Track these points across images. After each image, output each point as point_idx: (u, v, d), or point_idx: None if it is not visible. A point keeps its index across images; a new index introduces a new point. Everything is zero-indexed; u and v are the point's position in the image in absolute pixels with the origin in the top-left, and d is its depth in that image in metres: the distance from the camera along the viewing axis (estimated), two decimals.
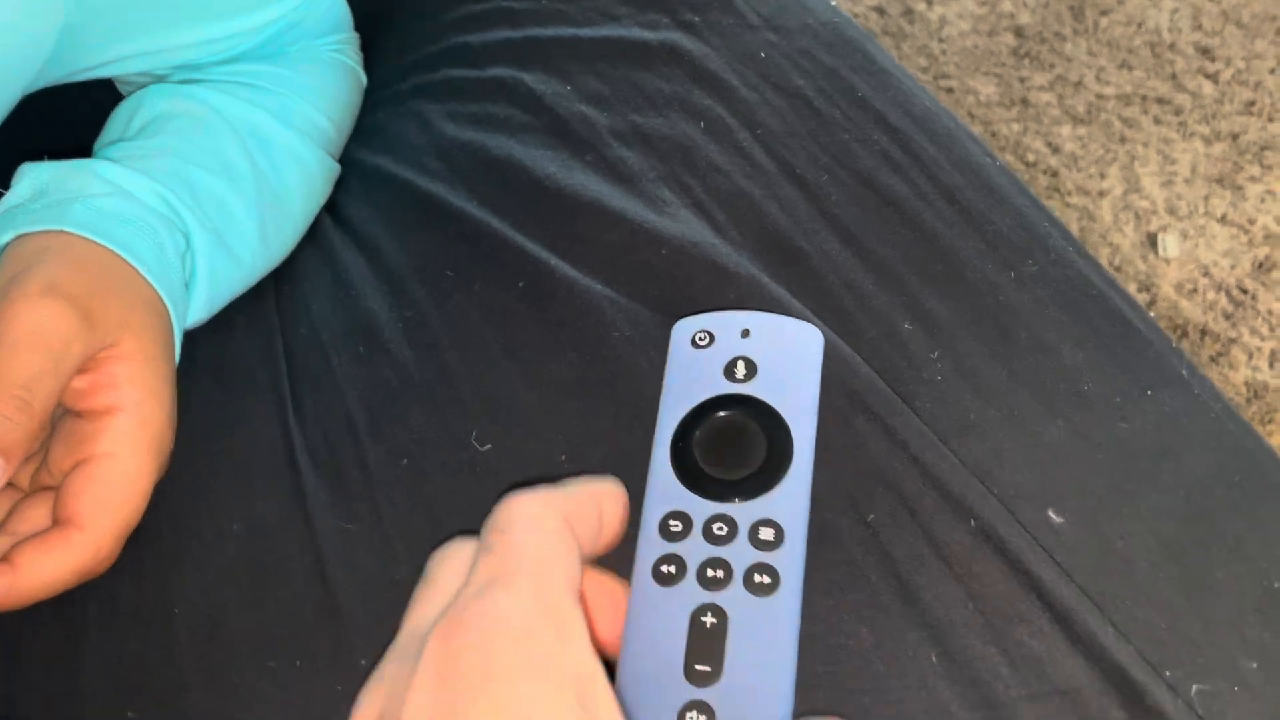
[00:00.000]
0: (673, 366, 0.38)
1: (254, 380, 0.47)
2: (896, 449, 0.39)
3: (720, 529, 0.33)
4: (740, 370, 0.36)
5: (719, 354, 0.37)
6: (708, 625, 0.31)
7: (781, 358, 0.37)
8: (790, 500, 0.34)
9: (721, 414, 0.36)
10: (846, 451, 0.39)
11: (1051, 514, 0.38)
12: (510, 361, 0.45)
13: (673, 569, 0.32)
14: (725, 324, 0.38)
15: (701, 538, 0.33)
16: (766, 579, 0.32)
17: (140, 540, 0.40)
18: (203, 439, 0.45)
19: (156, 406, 0.40)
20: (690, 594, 0.32)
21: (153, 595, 0.41)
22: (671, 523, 0.33)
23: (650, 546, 0.33)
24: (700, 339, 0.37)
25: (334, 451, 0.44)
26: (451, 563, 0.29)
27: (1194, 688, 0.35)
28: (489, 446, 0.42)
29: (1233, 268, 1.35)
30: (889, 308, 0.43)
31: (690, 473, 0.35)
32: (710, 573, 0.32)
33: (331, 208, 0.54)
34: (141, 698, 0.38)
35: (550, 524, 0.28)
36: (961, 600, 0.36)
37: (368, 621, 0.39)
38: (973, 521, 0.37)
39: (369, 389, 0.45)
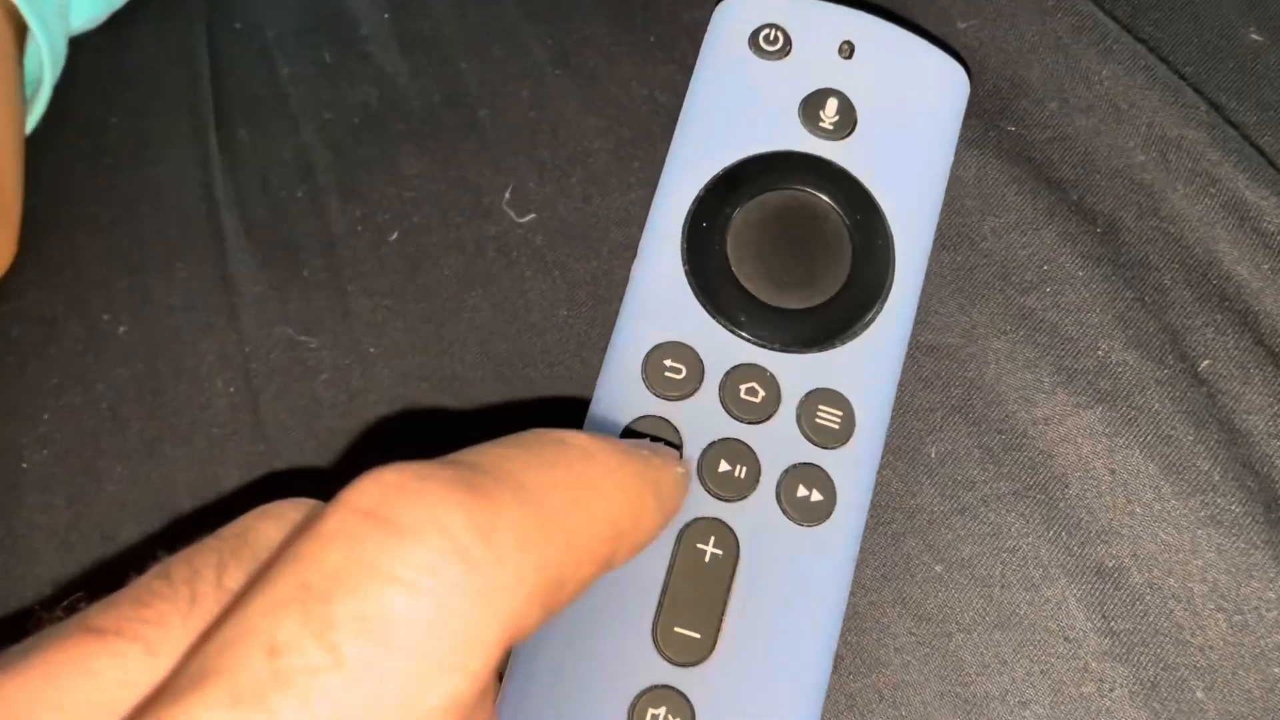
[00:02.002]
0: (709, 79, 0.23)
1: (160, 96, 0.30)
2: (1252, 240, 0.22)
3: (751, 393, 0.20)
4: (830, 114, 0.22)
5: (797, 75, 0.22)
6: (705, 559, 0.19)
7: (901, 109, 0.22)
8: (875, 363, 0.21)
9: (784, 189, 0.22)
10: (1153, 245, 0.23)
11: None
12: (563, 79, 0.27)
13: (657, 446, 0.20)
14: (814, 22, 0.23)
15: (717, 401, 0.20)
16: (817, 495, 0.20)
17: None
18: (73, 187, 0.28)
19: None
20: None
21: None
22: (669, 365, 0.21)
23: (623, 397, 0.20)
24: (768, 39, 0.22)
25: (280, 213, 0.27)
26: (171, 609, 0.14)
27: None
28: (531, 216, 0.26)
29: None
30: (1213, 1, 0.25)
31: (714, 282, 0.21)
32: (723, 466, 0.20)
33: None
34: None
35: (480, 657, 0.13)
36: None
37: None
38: None
39: (338, 116, 0.28)
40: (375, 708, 0.12)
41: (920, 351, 0.22)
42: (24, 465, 0.25)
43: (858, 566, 0.21)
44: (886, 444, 0.22)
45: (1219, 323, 0.22)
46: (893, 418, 0.22)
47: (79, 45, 0.31)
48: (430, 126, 0.27)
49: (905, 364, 0.22)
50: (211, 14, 0.32)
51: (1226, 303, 0.22)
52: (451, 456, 0.15)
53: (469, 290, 0.25)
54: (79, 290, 0.26)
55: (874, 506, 0.21)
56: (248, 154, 0.28)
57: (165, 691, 0.13)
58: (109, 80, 0.31)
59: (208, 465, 0.24)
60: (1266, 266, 0.22)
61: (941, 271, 0.23)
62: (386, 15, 0.30)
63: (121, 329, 0.26)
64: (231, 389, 0.25)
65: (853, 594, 0.21)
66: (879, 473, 0.22)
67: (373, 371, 0.25)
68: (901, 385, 0.22)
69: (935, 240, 0.23)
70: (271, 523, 0.16)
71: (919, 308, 0.23)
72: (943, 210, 0.23)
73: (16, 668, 0.14)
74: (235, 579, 0.15)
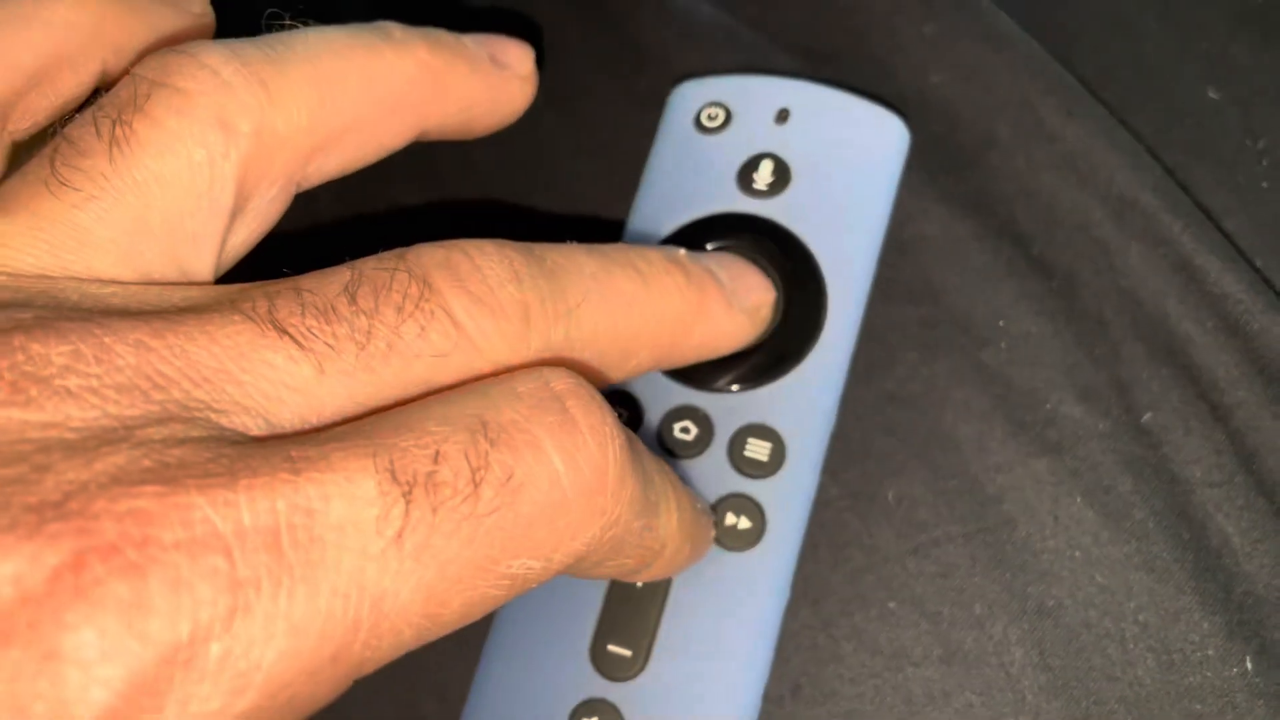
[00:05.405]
0: (660, 156, 0.26)
1: None
2: (1198, 299, 0.23)
3: (684, 432, 0.23)
4: (764, 176, 0.24)
5: (734, 145, 0.25)
6: (637, 584, 0.21)
7: (834, 163, 0.24)
8: (805, 399, 0.23)
9: (718, 246, 0.24)
10: (1107, 300, 0.24)
11: None
12: (555, 122, 0.29)
13: None
14: (752, 96, 0.25)
15: (655, 440, 0.23)
16: (745, 522, 0.22)
17: None
18: None
19: None
20: None
21: None
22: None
23: None
24: (709, 117, 0.25)
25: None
26: None
27: None
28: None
29: None
30: (1175, 61, 0.27)
31: None
32: None
33: None
34: None
35: None
36: None
37: None
38: None
39: None
40: (470, 548, 0.14)
41: (883, 400, 0.24)
42: None
43: (815, 601, 0.23)
44: (847, 487, 0.24)
45: (1164, 376, 0.23)
46: (854, 462, 0.24)
47: None
48: (427, 164, 0.29)
49: (868, 412, 0.24)
50: None
51: (1173, 357, 0.23)
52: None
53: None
54: None
55: (833, 544, 0.23)
56: None
57: (333, 434, 0.14)
58: None
59: None
60: (1210, 324, 0.23)
61: (906, 325, 0.24)
62: None
63: None
64: None
65: (811, 627, 0.23)
66: (841, 514, 0.23)
67: None
68: (864, 432, 0.24)
69: (901, 294, 0.25)
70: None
71: (884, 359, 0.24)
72: (909, 264, 0.25)
73: (209, 330, 0.14)
74: (409, 334, 0.15)
